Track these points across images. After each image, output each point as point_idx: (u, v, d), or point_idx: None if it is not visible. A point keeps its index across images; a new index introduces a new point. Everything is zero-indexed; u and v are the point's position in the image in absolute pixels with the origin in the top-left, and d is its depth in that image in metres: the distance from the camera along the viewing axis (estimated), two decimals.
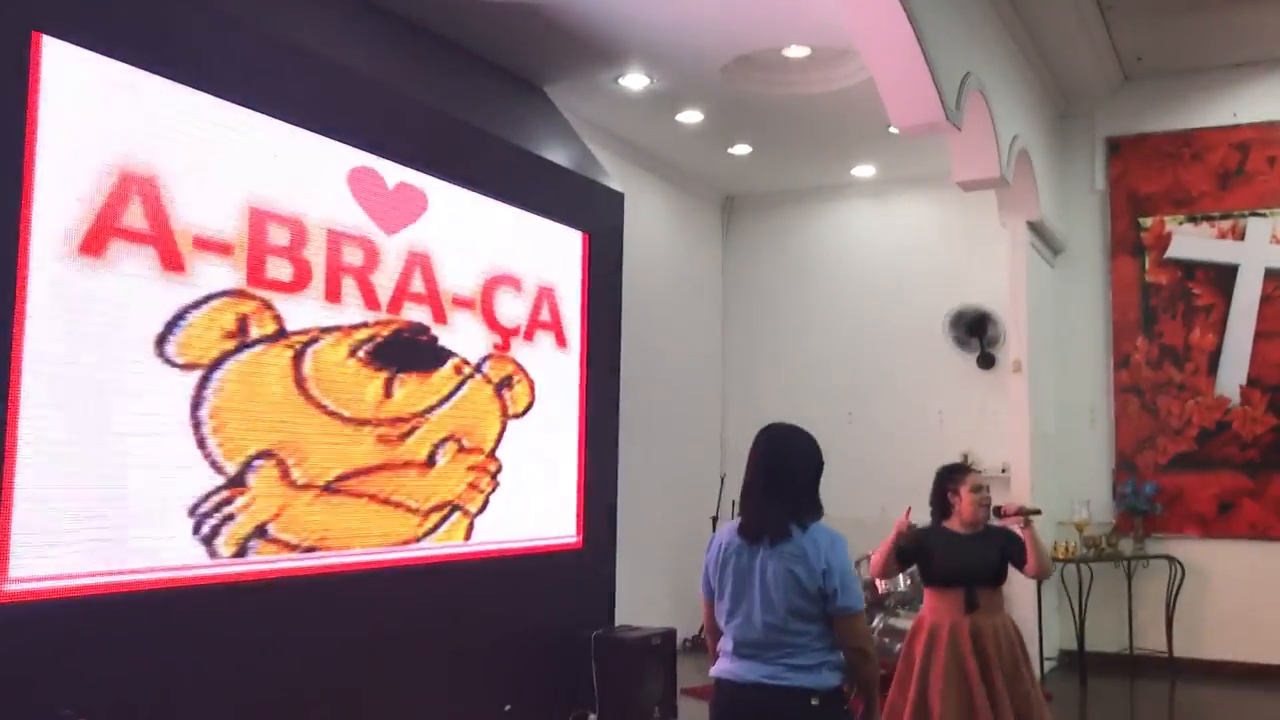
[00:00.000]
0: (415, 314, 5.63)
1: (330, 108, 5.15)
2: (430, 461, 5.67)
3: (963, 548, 4.57)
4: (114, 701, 3.98)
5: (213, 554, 4.49)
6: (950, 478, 4.72)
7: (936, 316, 9.29)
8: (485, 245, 6.13)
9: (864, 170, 9.58)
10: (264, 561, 4.71)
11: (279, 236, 4.87)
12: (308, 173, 5.04)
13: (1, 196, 3.77)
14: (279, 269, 4.87)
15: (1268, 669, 7.93)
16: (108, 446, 4.10)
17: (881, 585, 6.99)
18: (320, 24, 5.53)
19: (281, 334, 4.87)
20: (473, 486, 5.96)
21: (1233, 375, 8.32)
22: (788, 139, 8.73)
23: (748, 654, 3.14)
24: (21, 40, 3.83)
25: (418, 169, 5.65)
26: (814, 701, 3.07)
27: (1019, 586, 7.87)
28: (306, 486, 4.94)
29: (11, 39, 3.81)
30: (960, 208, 8.96)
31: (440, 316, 5.78)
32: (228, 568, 4.54)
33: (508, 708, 5.95)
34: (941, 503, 4.70)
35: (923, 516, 4.78)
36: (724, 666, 3.21)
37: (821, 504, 3.24)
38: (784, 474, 3.23)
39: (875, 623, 6.77)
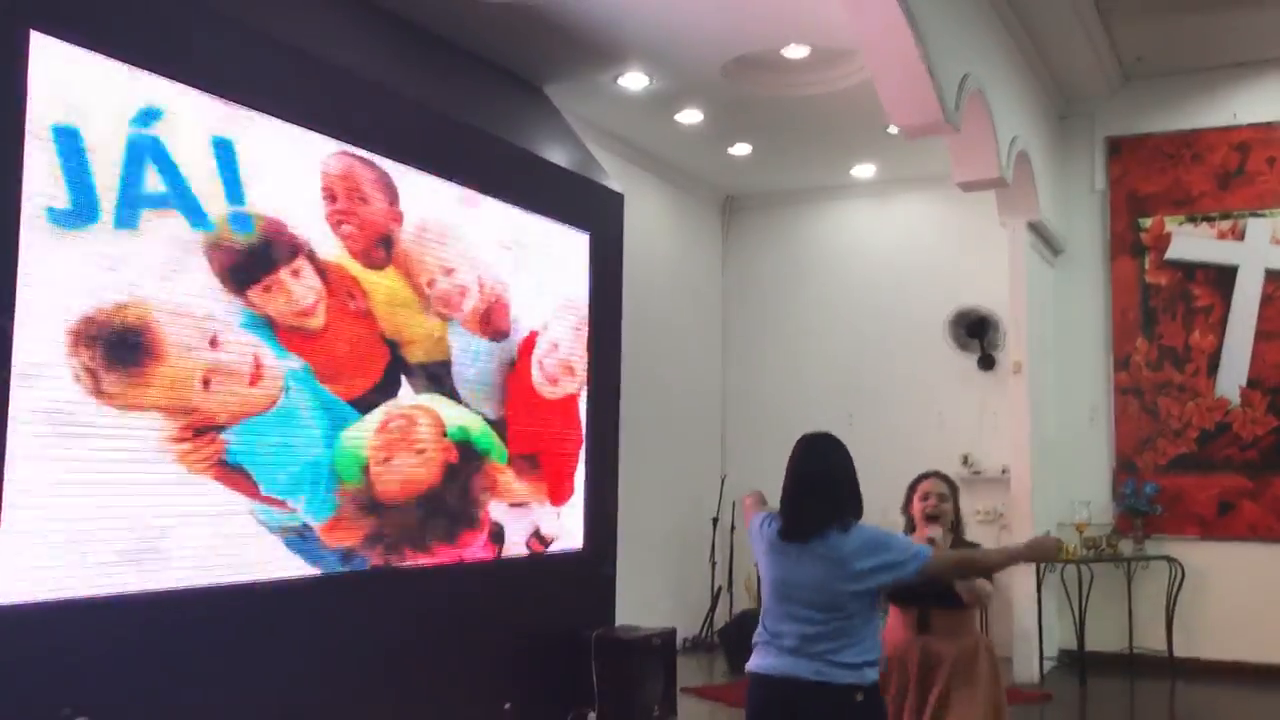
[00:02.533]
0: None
1: (327, 106, 5.14)
2: None
3: None
4: (114, 701, 3.98)
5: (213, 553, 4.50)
6: (912, 486, 4.29)
7: (937, 317, 9.30)
8: (485, 245, 6.13)
9: (864, 170, 9.59)
10: (264, 562, 4.71)
11: (278, 239, 4.87)
12: (305, 172, 5.04)
13: None
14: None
15: (1268, 669, 7.92)
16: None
17: None
18: (318, 23, 5.54)
19: None
20: None
21: (1233, 376, 8.32)
22: (787, 139, 8.74)
23: (788, 648, 3.21)
24: (15, 37, 3.82)
25: (416, 168, 5.64)
26: (859, 698, 3.16)
27: (1019, 587, 7.89)
28: None
29: (5, 36, 3.80)
30: (960, 208, 8.96)
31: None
32: (228, 568, 4.54)
33: (508, 706, 5.94)
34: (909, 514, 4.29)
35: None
36: (760, 661, 3.28)
37: (862, 503, 3.39)
38: (821, 477, 3.36)
39: None
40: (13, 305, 3.77)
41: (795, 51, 7.07)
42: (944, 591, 3.99)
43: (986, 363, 9.20)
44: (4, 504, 3.72)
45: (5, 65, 3.79)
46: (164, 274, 4.30)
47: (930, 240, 9.64)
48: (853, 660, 3.16)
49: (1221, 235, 8.44)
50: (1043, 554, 3.65)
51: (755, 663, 3.30)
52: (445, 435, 5.76)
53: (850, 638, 3.18)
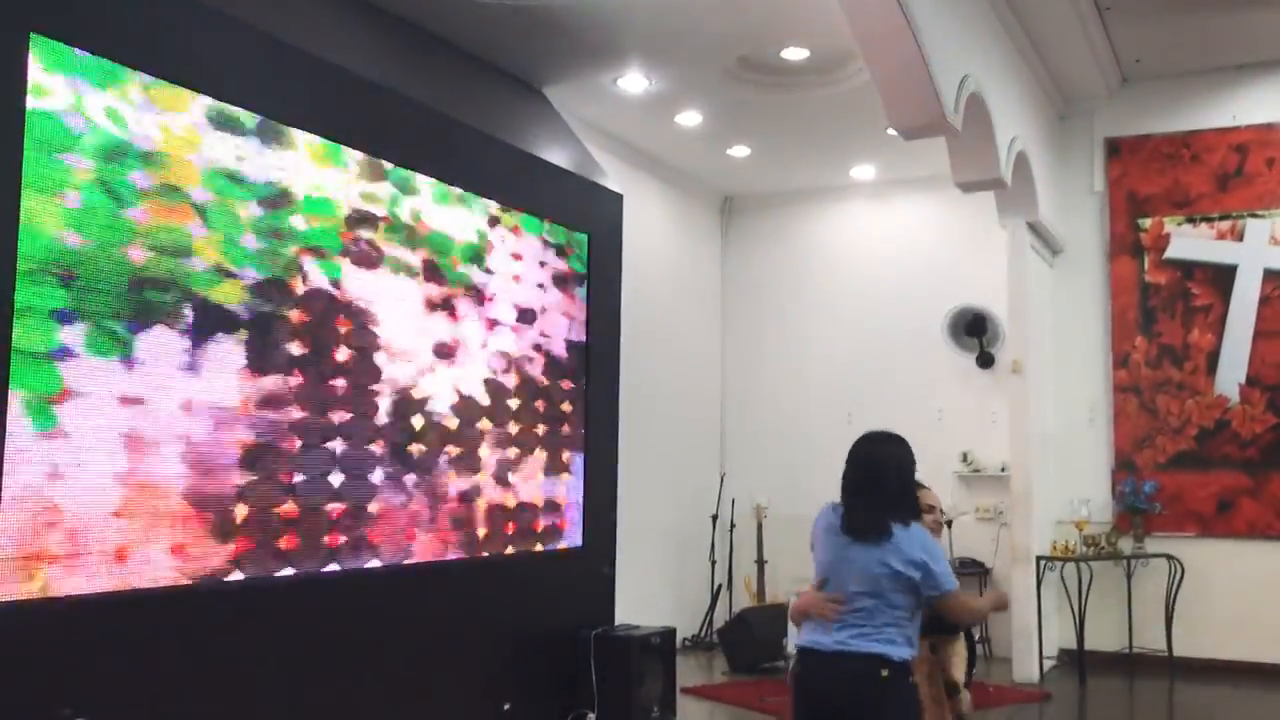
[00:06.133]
0: None
1: (329, 108, 5.16)
2: None
3: None
4: (114, 702, 4.00)
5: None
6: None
7: (936, 317, 9.30)
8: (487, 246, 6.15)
9: (863, 171, 9.60)
10: (265, 562, 4.72)
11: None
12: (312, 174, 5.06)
13: None
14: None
15: (1267, 667, 7.93)
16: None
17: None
18: (318, 24, 5.55)
19: None
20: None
21: (1232, 375, 8.33)
22: (786, 140, 8.75)
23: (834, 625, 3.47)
24: (15, 41, 3.83)
25: (415, 169, 5.66)
26: (884, 672, 3.37)
27: (1020, 585, 7.89)
28: None
29: (5, 39, 3.81)
30: (960, 208, 8.97)
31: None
32: (229, 568, 4.56)
33: (507, 706, 5.96)
34: None
35: None
36: (809, 636, 3.52)
37: (918, 504, 3.59)
38: (881, 477, 3.55)
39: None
40: (11, 306, 3.78)
41: (794, 53, 7.08)
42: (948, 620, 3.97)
43: (985, 361, 9.20)
44: (3, 500, 3.74)
45: (5, 67, 3.80)
46: None
47: (929, 241, 9.65)
48: (888, 638, 3.41)
49: (1220, 235, 8.45)
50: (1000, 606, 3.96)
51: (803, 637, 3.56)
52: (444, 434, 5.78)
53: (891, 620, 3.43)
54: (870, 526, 3.46)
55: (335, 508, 5.08)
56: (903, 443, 3.65)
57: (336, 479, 5.10)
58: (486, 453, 6.06)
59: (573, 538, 6.72)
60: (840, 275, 10.01)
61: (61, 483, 3.92)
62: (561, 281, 6.74)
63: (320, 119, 5.08)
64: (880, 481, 3.53)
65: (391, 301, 5.47)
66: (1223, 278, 8.41)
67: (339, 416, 5.12)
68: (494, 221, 6.22)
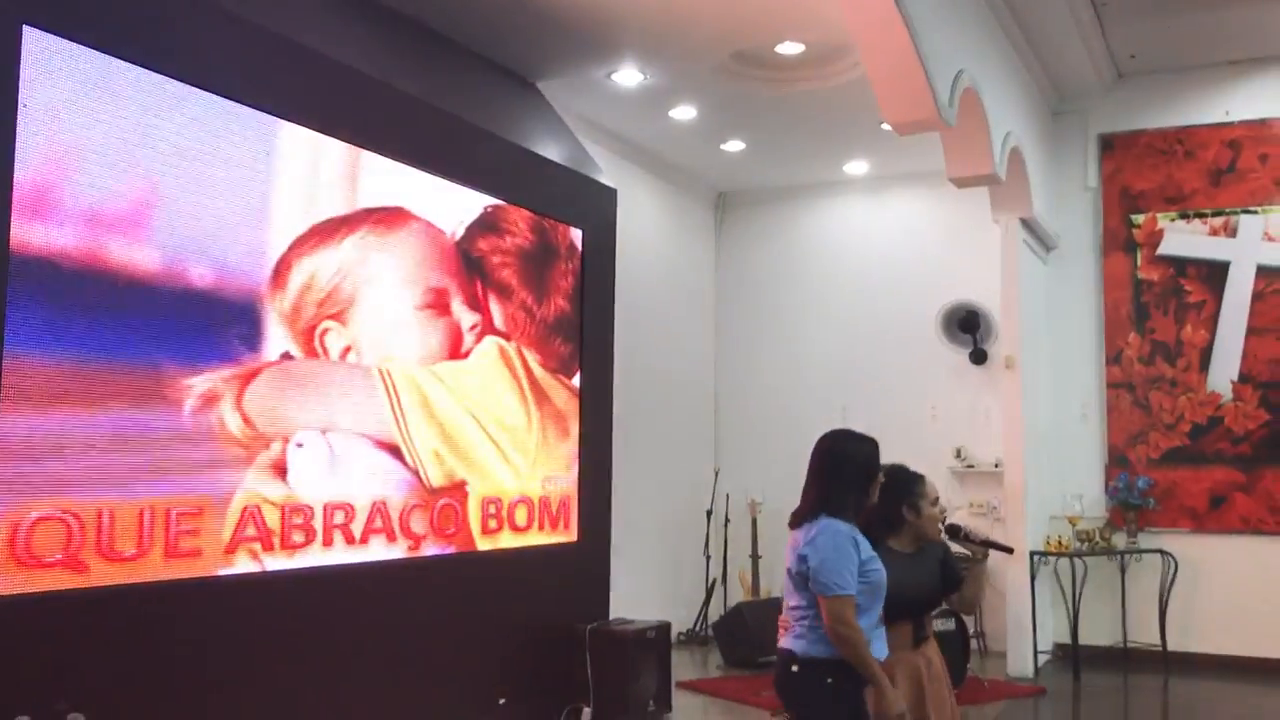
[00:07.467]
0: None
1: (322, 102, 5.15)
2: None
3: (909, 570, 3.73)
4: (109, 696, 3.99)
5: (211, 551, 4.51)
6: (909, 489, 3.84)
7: (929, 312, 9.32)
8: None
9: (857, 167, 9.61)
10: (263, 558, 4.72)
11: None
12: (302, 169, 5.05)
13: None
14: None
15: (1260, 662, 7.96)
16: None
17: None
18: (312, 18, 5.53)
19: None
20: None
21: (1225, 371, 8.35)
22: (781, 135, 8.75)
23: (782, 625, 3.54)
24: (8, 34, 3.82)
25: (409, 164, 5.65)
26: (794, 668, 3.41)
27: (1014, 580, 7.91)
28: None
29: None
30: (953, 204, 8.99)
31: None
32: (227, 565, 4.55)
33: (502, 701, 5.96)
34: (890, 516, 3.79)
35: None
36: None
37: (852, 502, 3.47)
38: (811, 473, 3.54)
39: None
40: (5, 303, 3.77)
41: (789, 48, 7.08)
42: (934, 592, 3.84)
43: (979, 357, 9.22)
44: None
45: None
46: None
47: (923, 236, 9.67)
48: (798, 634, 3.42)
49: (1213, 232, 8.47)
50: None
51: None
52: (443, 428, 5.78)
53: (800, 615, 3.42)
54: (792, 517, 3.52)
55: (330, 502, 5.09)
56: (852, 438, 3.55)
57: (331, 473, 5.10)
58: (481, 447, 6.06)
59: (568, 533, 6.72)
60: (834, 271, 10.02)
61: (58, 478, 3.92)
62: (555, 276, 6.74)
63: (312, 111, 5.07)
64: (816, 476, 3.51)
65: (386, 296, 5.47)
66: (1216, 274, 8.43)
67: (333, 411, 5.12)
68: (487, 216, 6.22)
